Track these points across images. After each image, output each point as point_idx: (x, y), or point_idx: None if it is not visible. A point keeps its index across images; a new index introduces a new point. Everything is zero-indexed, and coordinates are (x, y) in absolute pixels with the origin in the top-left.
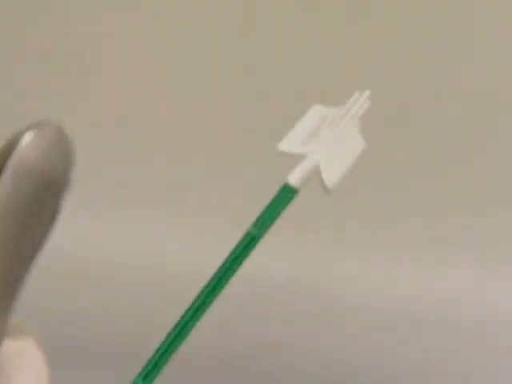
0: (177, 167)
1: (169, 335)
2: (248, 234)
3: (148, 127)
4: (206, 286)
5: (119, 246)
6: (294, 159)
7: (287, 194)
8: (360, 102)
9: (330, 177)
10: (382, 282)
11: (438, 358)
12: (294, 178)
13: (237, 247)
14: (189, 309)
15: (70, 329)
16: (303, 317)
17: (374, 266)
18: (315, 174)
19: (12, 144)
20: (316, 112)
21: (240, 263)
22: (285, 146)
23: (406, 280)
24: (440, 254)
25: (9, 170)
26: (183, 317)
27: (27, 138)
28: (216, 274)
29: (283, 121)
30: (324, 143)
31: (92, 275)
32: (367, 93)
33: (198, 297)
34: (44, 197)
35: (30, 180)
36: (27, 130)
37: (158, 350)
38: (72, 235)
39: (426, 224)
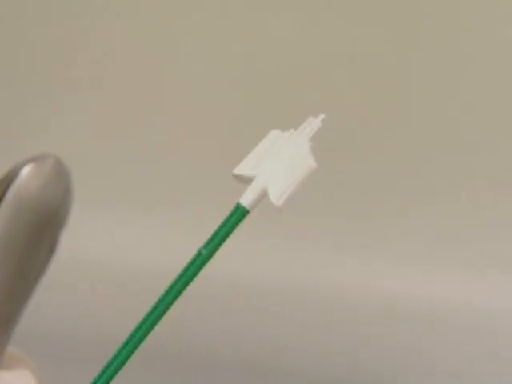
0: (179, 169)
1: (119, 351)
2: (199, 254)
3: (149, 128)
4: (157, 303)
5: (120, 246)
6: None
7: (239, 214)
8: (312, 124)
9: (278, 196)
10: (381, 282)
11: (438, 358)
12: (245, 200)
13: (188, 267)
14: (138, 327)
15: (71, 329)
16: (302, 317)
17: (374, 265)
18: (264, 194)
19: (11, 176)
20: (272, 136)
21: (189, 282)
22: (238, 169)
23: (406, 280)
24: (440, 253)
25: (8, 202)
26: (132, 334)
27: (27, 170)
28: (166, 292)
29: (282, 125)
30: (272, 165)
31: (92, 276)
32: (321, 116)
33: (148, 315)
34: (42, 229)
35: (29, 212)
36: (27, 162)
37: (107, 365)
38: (72, 236)
39: (426, 224)
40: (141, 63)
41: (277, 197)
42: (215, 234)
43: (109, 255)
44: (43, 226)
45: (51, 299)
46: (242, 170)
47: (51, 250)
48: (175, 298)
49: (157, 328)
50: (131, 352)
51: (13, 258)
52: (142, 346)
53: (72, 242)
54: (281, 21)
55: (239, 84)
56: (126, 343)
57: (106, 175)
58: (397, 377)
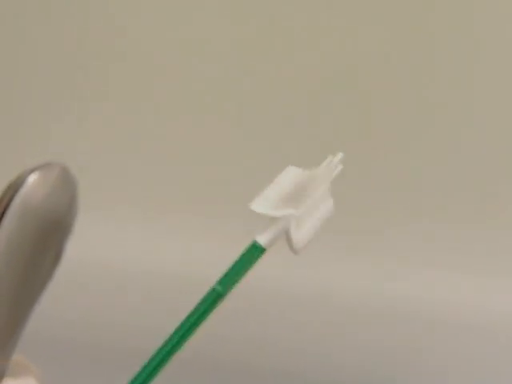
0: (181, 173)
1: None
2: (213, 290)
3: (151, 132)
4: (169, 340)
5: (121, 248)
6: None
7: (255, 252)
8: (332, 165)
9: (299, 241)
10: (381, 282)
11: (438, 358)
12: (264, 239)
13: (201, 303)
14: (150, 362)
15: (72, 331)
16: (301, 318)
17: (374, 265)
18: (284, 236)
19: (18, 183)
20: (291, 173)
21: (204, 319)
22: (258, 206)
23: (406, 280)
24: (440, 253)
25: (14, 210)
26: (144, 370)
27: (33, 179)
28: (180, 328)
29: (285, 130)
30: (296, 210)
31: (94, 277)
32: (340, 156)
33: (160, 351)
34: (48, 237)
35: (35, 220)
36: (33, 170)
37: None
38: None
39: (426, 224)
40: (144, 68)
41: (298, 243)
42: (230, 270)
43: (111, 258)
44: (49, 234)
45: (54, 302)
46: (262, 208)
47: (57, 257)
48: (191, 333)
49: (155, 327)
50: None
51: (18, 266)
52: (141, 347)
53: (74, 246)
54: (281, 20)
55: (240, 85)
56: None
57: (108, 178)
58: (397, 377)
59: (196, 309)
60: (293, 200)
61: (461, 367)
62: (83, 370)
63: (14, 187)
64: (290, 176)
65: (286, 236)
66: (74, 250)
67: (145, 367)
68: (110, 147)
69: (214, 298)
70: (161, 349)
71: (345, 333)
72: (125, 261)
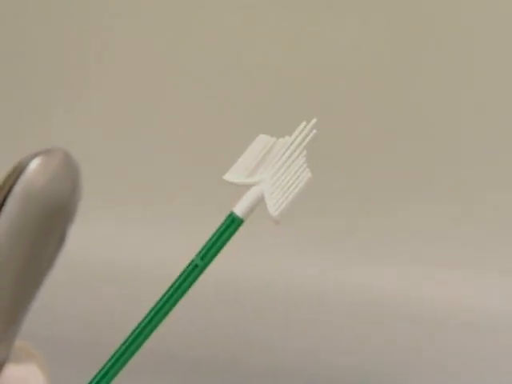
0: (182, 170)
1: (113, 355)
2: (192, 262)
3: (154, 128)
4: (150, 313)
5: (123, 247)
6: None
7: (233, 224)
8: (306, 132)
9: (275, 207)
10: (381, 282)
11: (438, 358)
12: (239, 209)
13: (181, 276)
14: (129, 340)
15: (74, 331)
16: (301, 317)
17: (374, 265)
18: (261, 203)
19: (19, 169)
20: (262, 142)
21: (184, 291)
22: (231, 176)
23: (406, 279)
24: (440, 253)
25: (16, 195)
26: (124, 349)
27: (35, 164)
28: (159, 300)
29: (282, 126)
30: (268, 174)
31: (96, 277)
32: (313, 121)
33: (139, 325)
34: (50, 222)
35: (37, 205)
36: (35, 155)
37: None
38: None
39: (426, 224)
40: (146, 64)
41: (274, 209)
42: (210, 243)
43: (111, 256)
44: (51, 219)
45: (54, 300)
46: (234, 177)
47: (60, 242)
48: (169, 309)
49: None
50: (124, 362)
51: (21, 251)
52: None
53: (74, 243)
54: (280, 20)
55: (240, 85)
56: (118, 356)
57: (107, 176)
58: (396, 377)
59: (176, 282)
60: (265, 167)
61: (461, 367)
62: (84, 370)
63: (17, 172)
64: (261, 144)
65: (262, 202)
66: (75, 249)
67: (126, 340)
68: (112, 147)
69: (191, 270)
70: (140, 323)
71: (345, 332)
72: (126, 259)
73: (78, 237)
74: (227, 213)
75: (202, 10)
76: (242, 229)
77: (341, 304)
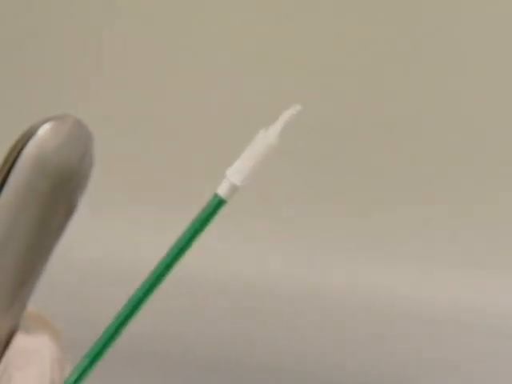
0: (181, 169)
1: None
2: (179, 242)
3: (153, 128)
4: (135, 295)
5: (123, 247)
6: None
7: (216, 204)
8: (287, 113)
9: (236, 176)
10: (381, 282)
11: (438, 358)
12: (220, 190)
13: (167, 256)
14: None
15: (75, 331)
16: (301, 317)
17: (374, 265)
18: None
19: (29, 135)
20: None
21: (165, 273)
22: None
23: (406, 279)
24: (440, 253)
25: (25, 162)
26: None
27: (44, 129)
28: (145, 282)
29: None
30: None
31: (99, 276)
32: (297, 107)
33: (124, 309)
34: (60, 189)
35: (47, 172)
36: (46, 120)
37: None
38: (80, 236)
39: (426, 224)
40: (146, 64)
41: (235, 177)
42: (193, 224)
43: (111, 256)
44: (61, 185)
45: (52, 298)
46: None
47: (70, 209)
48: (152, 289)
49: (155, 328)
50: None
51: (30, 217)
52: (139, 347)
53: (73, 241)
54: (282, 20)
55: (240, 86)
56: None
57: (107, 177)
58: (396, 377)
59: (161, 263)
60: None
61: (461, 366)
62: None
63: (27, 137)
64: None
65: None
66: (73, 247)
67: (112, 328)
68: (112, 144)
69: (177, 251)
70: (127, 305)
71: (345, 332)
72: (124, 257)
73: (78, 237)
74: (228, 213)
75: (203, 10)
76: (244, 230)
77: (341, 304)
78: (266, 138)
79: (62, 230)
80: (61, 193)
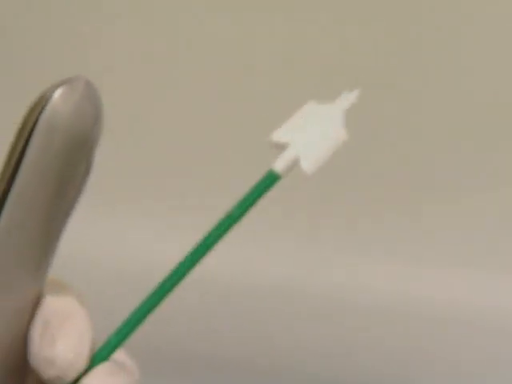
0: (183, 171)
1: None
2: (229, 215)
3: (154, 128)
4: (182, 263)
5: (123, 247)
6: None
7: (271, 179)
8: (348, 98)
9: (309, 166)
10: (381, 282)
11: (439, 358)
12: (277, 166)
13: (217, 226)
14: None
15: None
16: (301, 317)
17: (374, 265)
18: (296, 163)
19: (44, 99)
20: (309, 107)
21: (215, 242)
22: (274, 136)
23: (406, 279)
24: (440, 253)
25: (42, 126)
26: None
27: (59, 93)
28: (193, 250)
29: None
30: (305, 134)
31: (96, 277)
32: (357, 92)
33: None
34: (78, 150)
35: (64, 134)
36: (57, 86)
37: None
38: (80, 236)
39: (426, 224)
40: (146, 64)
41: (309, 166)
42: (246, 197)
43: (112, 256)
44: (77, 149)
45: None
46: (277, 137)
47: (86, 171)
48: (194, 264)
49: (154, 328)
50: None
51: (50, 181)
52: (139, 347)
53: (75, 242)
54: (282, 20)
55: (241, 85)
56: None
57: (108, 176)
58: (397, 377)
59: (212, 231)
60: (304, 129)
61: (461, 366)
62: None
63: (40, 105)
64: (307, 109)
65: (298, 162)
66: (75, 248)
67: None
68: (120, 142)
69: (229, 223)
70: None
71: (345, 332)
72: (126, 259)
73: (78, 237)
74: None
75: (202, 10)
76: (248, 231)
77: (341, 304)
78: (340, 131)
79: (80, 191)
80: (79, 153)
